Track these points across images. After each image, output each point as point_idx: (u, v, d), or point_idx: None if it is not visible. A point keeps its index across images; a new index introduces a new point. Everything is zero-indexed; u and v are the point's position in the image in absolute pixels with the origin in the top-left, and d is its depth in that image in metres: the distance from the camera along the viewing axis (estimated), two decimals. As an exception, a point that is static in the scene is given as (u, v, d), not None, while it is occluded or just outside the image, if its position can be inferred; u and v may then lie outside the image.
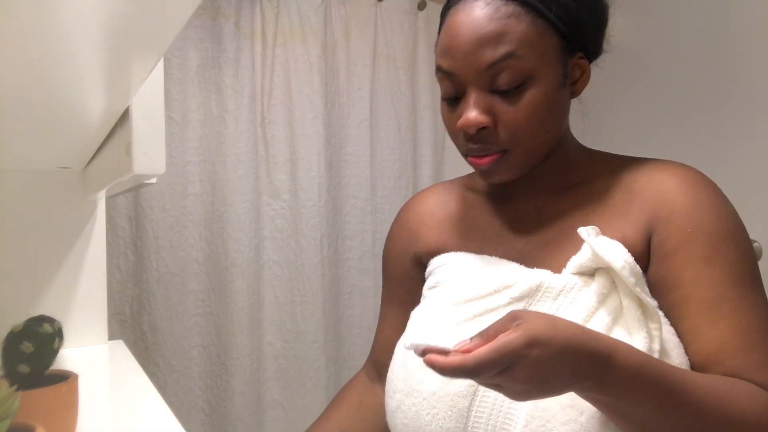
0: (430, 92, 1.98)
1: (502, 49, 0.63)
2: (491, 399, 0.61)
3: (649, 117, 1.63)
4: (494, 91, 0.65)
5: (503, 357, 0.46)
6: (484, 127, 0.65)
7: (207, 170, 1.70)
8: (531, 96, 0.65)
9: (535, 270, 0.67)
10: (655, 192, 0.65)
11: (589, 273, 0.64)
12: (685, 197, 0.63)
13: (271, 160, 1.78)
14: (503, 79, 0.64)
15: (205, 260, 1.69)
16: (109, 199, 1.50)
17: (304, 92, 1.79)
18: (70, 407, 0.64)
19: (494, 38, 0.63)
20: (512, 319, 0.50)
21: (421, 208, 0.84)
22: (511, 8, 0.63)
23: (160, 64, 0.61)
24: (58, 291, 1.08)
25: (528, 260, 0.70)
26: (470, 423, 0.62)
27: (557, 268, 0.66)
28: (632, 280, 0.60)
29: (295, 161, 1.79)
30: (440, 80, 0.69)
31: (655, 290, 0.63)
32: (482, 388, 0.62)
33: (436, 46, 0.70)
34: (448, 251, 0.76)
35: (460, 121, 0.66)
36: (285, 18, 1.77)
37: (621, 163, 0.71)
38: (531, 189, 0.74)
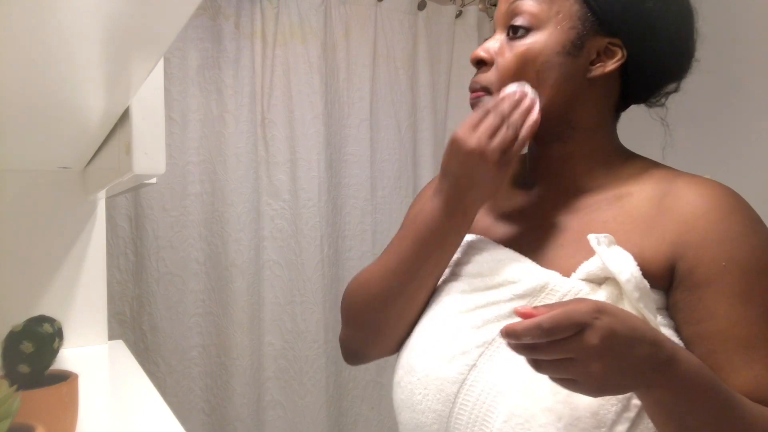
0: (430, 92, 1.98)
1: None
2: (478, 390, 0.62)
3: (647, 120, 1.63)
4: (509, 35, 0.69)
5: (574, 317, 0.48)
6: (482, 63, 0.70)
7: (207, 170, 1.70)
8: (527, 45, 0.67)
9: (544, 270, 0.66)
10: (686, 213, 0.62)
11: (598, 281, 0.63)
12: (718, 224, 0.61)
13: (271, 160, 1.78)
14: (516, 21, 0.68)
15: (205, 260, 1.69)
16: (109, 199, 1.50)
17: (304, 92, 1.79)
18: (70, 407, 0.64)
19: None
20: (578, 300, 0.51)
21: None
22: None
23: (160, 64, 0.60)
24: (58, 291, 1.08)
25: (541, 259, 0.68)
26: (456, 409, 0.63)
27: (567, 272, 0.65)
28: (636, 294, 0.58)
29: (295, 161, 1.79)
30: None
31: (679, 315, 0.62)
32: (472, 377, 0.63)
33: None
34: (471, 231, 0.75)
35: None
36: (285, 18, 1.77)
37: (655, 173, 0.69)
38: (557, 186, 0.72)
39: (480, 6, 2.06)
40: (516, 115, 0.64)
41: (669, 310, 0.63)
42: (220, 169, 1.71)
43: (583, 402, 0.56)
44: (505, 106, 0.64)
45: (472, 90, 0.72)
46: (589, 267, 0.62)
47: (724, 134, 1.44)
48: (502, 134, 0.64)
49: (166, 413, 0.77)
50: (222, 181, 1.71)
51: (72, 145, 0.86)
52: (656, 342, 0.51)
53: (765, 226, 0.63)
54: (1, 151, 0.89)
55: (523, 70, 0.67)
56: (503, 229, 0.74)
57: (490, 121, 0.64)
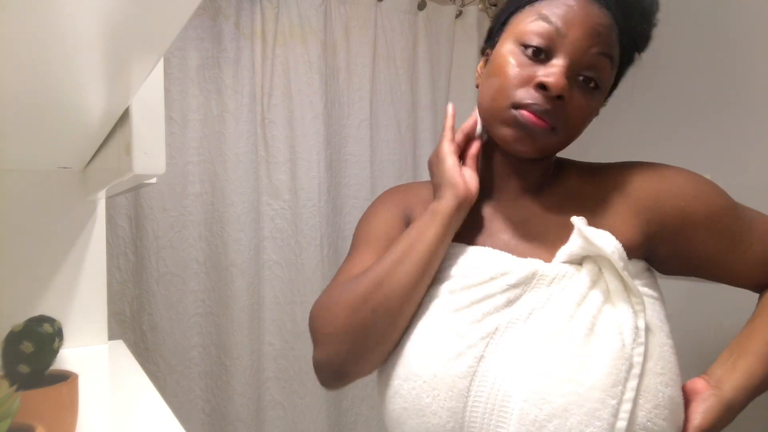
0: (430, 92, 1.98)
1: (608, 49, 0.69)
2: (491, 379, 0.64)
3: (648, 121, 1.63)
4: (575, 75, 0.70)
5: None
6: (561, 97, 0.69)
7: (207, 170, 1.70)
8: (592, 101, 0.71)
9: (529, 259, 0.70)
10: (631, 186, 0.73)
11: (577, 262, 0.69)
12: (660, 182, 0.72)
13: (271, 160, 1.78)
14: (590, 72, 0.69)
15: (205, 260, 1.69)
16: (109, 199, 1.50)
17: (304, 92, 1.79)
18: (70, 407, 0.64)
19: (608, 36, 0.69)
20: None
21: (415, 192, 0.86)
22: (615, 35, 0.71)
23: (160, 64, 0.60)
24: (58, 291, 1.08)
25: (516, 253, 0.73)
26: (470, 402, 0.64)
27: (546, 259, 0.70)
28: (621, 263, 0.65)
29: (295, 161, 1.79)
30: (539, 30, 0.70)
31: (676, 261, 0.73)
32: (481, 370, 0.64)
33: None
34: None
35: (549, 79, 0.67)
36: (285, 18, 1.77)
37: (585, 167, 0.79)
38: (511, 188, 0.79)
39: (480, 6, 2.06)
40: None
41: (663, 264, 0.74)
42: (220, 169, 1.71)
43: (596, 366, 0.61)
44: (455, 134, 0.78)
45: (540, 115, 0.69)
46: (570, 249, 0.68)
47: (724, 133, 1.44)
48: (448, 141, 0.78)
49: (166, 413, 0.77)
50: (222, 181, 1.70)
51: (72, 145, 0.86)
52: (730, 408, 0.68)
53: (685, 169, 0.75)
54: (1, 151, 0.89)
55: (584, 119, 0.72)
56: (473, 235, 0.78)
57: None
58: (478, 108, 0.78)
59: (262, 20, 1.74)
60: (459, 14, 2.04)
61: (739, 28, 1.43)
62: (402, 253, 0.71)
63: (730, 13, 1.45)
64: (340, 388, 0.77)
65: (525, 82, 0.69)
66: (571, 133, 0.72)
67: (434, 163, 0.79)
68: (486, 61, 0.79)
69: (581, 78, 0.69)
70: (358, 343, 0.70)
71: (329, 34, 1.84)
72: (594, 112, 0.73)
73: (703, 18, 1.50)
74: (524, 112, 0.69)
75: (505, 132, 0.71)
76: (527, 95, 0.69)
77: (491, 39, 0.79)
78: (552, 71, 0.68)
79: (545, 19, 0.69)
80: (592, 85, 0.70)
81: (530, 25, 0.70)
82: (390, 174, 1.94)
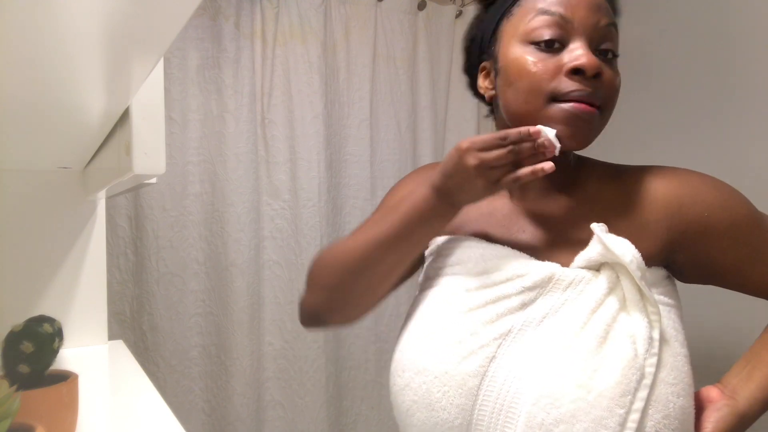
0: (430, 92, 1.98)
1: (612, 18, 0.71)
2: (500, 379, 0.64)
3: (650, 121, 1.63)
4: (596, 50, 0.70)
5: None
6: (599, 74, 0.68)
7: (207, 170, 1.70)
8: (617, 72, 0.71)
9: (546, 262, 0.70)
10: (651, 192, 0.72)
11: (595, 268, 0.68)
12: (682, 189, 0.71)
13: (271, 160, 1.78)
14: (608, 45, 0.70)
15: (205, 260, 1.69)
16: (109, 199, 1.50)
17: (304, 92, 1.79)
18: (70, 407, 0.64)
19: (606, 7, 0.71)
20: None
21: None
22: (609, 3, 0.72)
23: (160, 64, 0.60)
24: (58, 291, 1.08)
25: (534, 254, 0.72)
26: (479, 400, 0.64)
27: (563, 263, 0.69)
28: (639, 273, 0.64)
29: (295, 161, 1.79)
30: (544, 24, 0.69)
31: (694, 270, 0.72)
32: (492, 369, 0.65)
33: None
34: (458, 232, 0.79)
35: (581, 61, 0.66)
36: (285, 18, 1.77)
37: (606, 168, 0.77)
38: (532, 187, 0.77)
39: (480, 6, 2.06)
40: (528, 163, 0.64)
41: (682, 272, 0.73)
42: (220, 169, 1.71)
43: (608, 373, 0.61)
44: (526, 148, 0.63)
45: (588, 101, 0.67)
46: (588, 254, 0.67)
47: (724, 134, 1.44)
48: (503, 173, 0.64)
49: (166, 413, 0.78)
50: (222, 181, 1.71)
51: (72, 145, 0.86)
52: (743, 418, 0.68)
53: (708, 175, 0.74)
54: (1, 151, 0.89)
55: (617, 97, 0.71)
56: (494, 233, 0.77)
57: (503, 155, 0.63)
58: (506, 115, 0.74)
59: (262, 20, 1.74)
60: (459, 14, 2.04)
61: (738, 28, 1.43)
62: (375, 222, 0.76)
63: (730, 13, 1.45)
64: (317, 330, 0.83)
65: (555, 73, 0.68)
66: (612, 104, 0.71)
67: (476, 168, 0.65)
68: (487, 74, 0.77)
69: (601, 50, 0.70)
70: (336, 298, 0.77)
71: (329, 34, 1.84)
72: (620, 83, 0.72)
73: (702, 18, 1.50)
74: (574, 105, 0.67)
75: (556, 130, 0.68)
76: (564, 85, 0.67)
77: (485, 52, 0.77)
78: (577, 54, 0.67)
79: (545, 12, 0.69)
80: (610, 56, 0.71)
81: (532, 23, 0.70)
82: (390, 174, 1.94)
